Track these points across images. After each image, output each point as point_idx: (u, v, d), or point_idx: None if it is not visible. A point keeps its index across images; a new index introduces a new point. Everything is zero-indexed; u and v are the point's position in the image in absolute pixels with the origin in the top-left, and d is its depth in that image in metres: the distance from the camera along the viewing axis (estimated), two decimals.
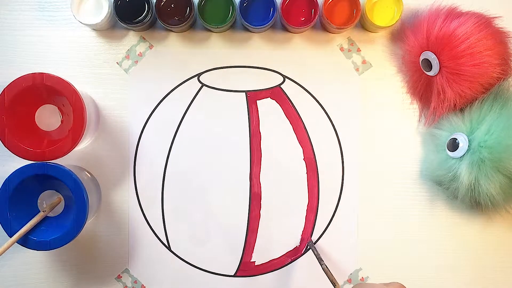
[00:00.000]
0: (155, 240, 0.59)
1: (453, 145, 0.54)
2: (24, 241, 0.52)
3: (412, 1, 0.58)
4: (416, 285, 0.59)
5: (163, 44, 0.59)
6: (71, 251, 0.58)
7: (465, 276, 0.59)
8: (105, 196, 0.58)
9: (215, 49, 0.59)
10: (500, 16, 0.55)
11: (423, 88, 0.57)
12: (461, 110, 0.56)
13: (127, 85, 0.58)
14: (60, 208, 0.55)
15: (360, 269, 0.59)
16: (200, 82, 0.59)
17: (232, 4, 0.55)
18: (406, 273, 0.59)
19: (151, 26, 0.58)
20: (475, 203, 0.55)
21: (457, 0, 0.56)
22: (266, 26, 0.55)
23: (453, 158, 0.55)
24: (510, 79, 0.55)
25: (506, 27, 0.55)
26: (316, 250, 0.55)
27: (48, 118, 0.55)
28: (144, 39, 0.59)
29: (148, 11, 0.55)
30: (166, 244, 0.59)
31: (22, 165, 0.51)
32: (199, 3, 0.54)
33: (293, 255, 0.59)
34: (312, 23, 0.55)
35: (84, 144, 0.57)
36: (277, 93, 0.59)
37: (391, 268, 0.59)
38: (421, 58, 0.55)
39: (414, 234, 0.59)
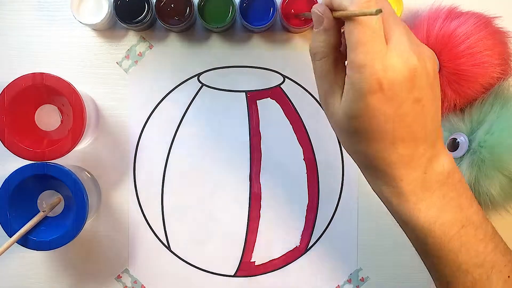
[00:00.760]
0: (155, 240, 0.59)
1: (453, 145, 0.54)
2: (24, 241, 0.52)
3: (412, 1, 0.58)
4: (416, 285, 0.59)
5: (163, 44, 0.59)
6: (71, 251, 0.58)
7: None
8: (105, 196, 0.58)
9: (215, 49, 0.59)
10: (500, 16, 0.55)
11: None
12: (461, 110, 0.56)
13: (127, 85, 0.58)
14: (60, 208, 0.55)
15: (360, 269, 0.59)
16: (200, 82, 0.59)
17: (232, 4, 0.55)
18: (406, 273, 0.59)
19: (151, 26, 0.58)
20: None
21: (457, 0, 0.56)
22: (266, 26, 0.55)
23: (453, 158, 0.55)
24: (510, 79, 0.55)
25: (506, 27, 0.55)
26: (305, 13, 0.52)
27: (48, 118, 0.55)
28: (144, 39, 0.59)
29: (148, 11, 0.55)
30: (166, 244, 0.59)
31: (22, 165, 0.51)
32: (199, 3, 0.54)
33: (293, 255, 0.59)
34: (312, 23, 0.55)
35: (84, 144, 0.57)
36: (277, 93, 0.59)
37: (391, 268, 0.59)
38: None
39: None
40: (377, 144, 0.38)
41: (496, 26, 0.54)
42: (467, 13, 0.55)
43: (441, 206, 0.39)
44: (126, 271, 0.59)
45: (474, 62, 0.52)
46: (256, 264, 0.59)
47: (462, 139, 0.54)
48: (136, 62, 0.59)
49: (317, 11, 0.40)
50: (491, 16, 0.54)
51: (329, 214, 0.59)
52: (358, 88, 0.36)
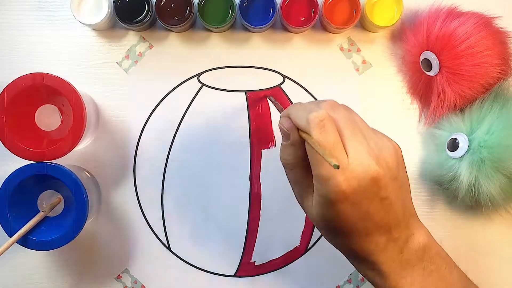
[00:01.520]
0: (155, 240, 0.59)
1: (453, 145, 0.54)
2: (24, 241, 0.52)
3: (412, 1, 0.58)
4: None
5: (163, 44, 0.59)
6: (71, 251, 0.58)
7: None
8: (105, 196, 0.58)
9: (215, 49, 0.59)
10: (500, 16, 0.55)
11: (423, 88, 0.57)
12: (461, 110, 0.56)
13: (127, 85, 0.58)
14: (60, 208, 0.55)
15: None
16: (200, 82, 0.59)
17: (232, 4, 0.55)
18: None
19: (151, 26, 0.58)
20: (475, 203, 0.55)
21: (457, 0, 0.56)
22: (266, 26, 0.55)
23: (453, 158, 0.55)
24: (510, 79, 0.55)
25: (506, 27, 0.55)
26: (276, 102, 0.55)
27: (48, 118, 0.55)
28: (144, 39, 0.59)
29: (148, 11, 0.55)
30: (166, 244, 0.59)
31: (22, 165, 0.51)
32: (199, 3, 0.55)
33: (293, 255, 0.59)
34: (312, 23, 0.55)
35: (84, 144, 0.57)
36: (277, 93, 0.59)
37: None
38: (421, 58, 0.55)
39: None
40: (352, 239, 0.41)
41: (496, 26, 0.54)
42: (467, 13, 0.55)
43: (422, 280, 0.42)
44: (126, 271, 0.59)
45: (474, 62, 0.52)
46: (256, 264, 0.59)
47: (462, 139, 0.54)
48: (136, 62, 0.59)
49: (283, 128, 0.42)
50: (491, 16, 0.54)
51: None
52: (325, 198, 0.39)
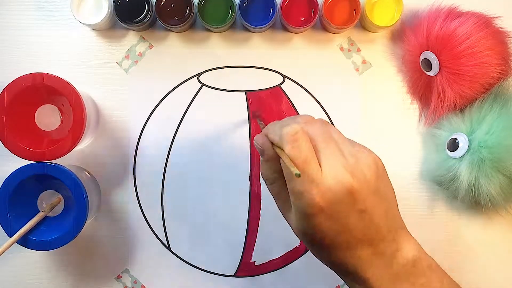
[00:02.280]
0: (155, 240, 0.59)
1: (453, 145, 0.54)
2: (24, 241, 0.52)
3: (412, 1, 0.58)
4: None
5: (163, 44, 0.59)
6: (71, 251, 0.58)
7: (465, 276, 0.59)
8: (105, 196, 0.58)
9: (215, 49, 0.59)
10: (500, 16, 0.55)
11: (423, 88, 0.57)
12: (461, 110, 0.56)
13: (127, 85, 0.58)
14: (60, 208, 0.55)
15: None
16: (200, 82, 0.59)
17: (232, 4, 0.55)
18: None
19: (151, 26, 0.58)
20: (475, 203, 0.55)
21: (457, 0, 0.56)
22: (266, 26, 0.55)
23: (453, 158, 0.55)
24: (510, 79, 0.55)
25: (506, 27, 0.55)
26: (262, 123, 0.55)
27: (48, 118, 0.55)
28: (144, 39, 0.59)
29: (148, 11, 0.55)
30: (166, 244, 0.59)
31: (22, 165, 0.51)
32: (199, 3, 0.55)
33: (293, 255, 0.59)
34: (312, 23, 0.55)
35: (84, 144, 0.57)
36: (277, 93, 0.59)
37: None
38: (421, 58, 0.55)
39: (414, 234, 0.58)
40: (334, 252, 0.40)
41: (496, 26, 0.54)
42: (467, 13, 0.55)
43: None
44: (126, 271, 0.59)
45: (474, 62, 0.52)
46: (256, 264, 0.59)
47: (462, 139, 0.54)
48: (136, 62, 0.59)
49: (257, 144, 0.43)
50: (491, 16, 0.54)
51: None
52: (301, 211, 0.39)
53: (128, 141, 0.59)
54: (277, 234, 0.59)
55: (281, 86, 0.59)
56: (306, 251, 0.59)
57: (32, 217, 0.52)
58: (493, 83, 0.54)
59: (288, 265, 0.59)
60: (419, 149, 0.59)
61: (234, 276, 0.59)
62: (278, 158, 0.41)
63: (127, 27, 0.56)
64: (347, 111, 0.59)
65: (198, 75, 0.59)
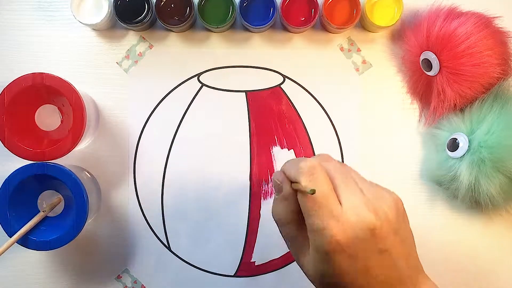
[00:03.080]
0: (155, 240, 0.59)
1: (453, 145, 0.54)
2: (24, 241, 0.52)
3: (412, 1, 0.58)
4: None
5: (163, 44, 0.59)
6: (71, 251, 0.58)
7: (465, 276, 0.59)
8: (105, 196, 0.58)
9: (215, 49, 0.59)
10: (500, 16, 0.55)
11: (423, 88, 0.57)
12: (461, 110, 0.56)
13: (127, 85, 0.58)
14: (60, 208, 0.55)
15: None
16: (200, 82, 0.59)
17: (232, 4, 0.55)
18: None
19: (151, 26, 0.58)
20: (475, 203, 0.55)
21: (457, 0, 0.56)
22: (266, 26, 0.55)
23: (453, 158, 0.55)
24: (510, 79, 0.55)
25: (506, 27, 0.55)
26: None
27: (48, 118, 0.55)
28: (144, 39, 0.59)
29: (148, 11, 0.55)
30: (166, 244, 0.59)
31: (22, 165, 0.51)
32: (199, 3, 0.55)
33: None
34: (312, 23, 0.55)
35: (84, 144, 0.57)
36: (277, 93, 0.59)
37: None
38: (421, 58, 0.55)
39: (414, 234, 0.59)
40: None
41: (496, 26, 0.54)
42: (467, 13, 0.55)
43: None
44: (126, 271, 0.59)
45: (474, 62, 0.52)
46: (256, 264, 0.59)
47: (462, 139, 0.54)
48: (136, 62, 0.59)
49: (276, 180, 0.41)
50: (491, 16, 0.54)
51: None
52: (321, 250, 0.37)
53: (128, 141, 0.59)
54: (277, 234, 0.59)
55: (281, 86, 0.59)
56: None
57: (32, 217, 0.52)
58: (493, 83, 0.54)
59: (288, 265, 0.59)
60: (419, 149, 0.59)
61: (234, 276, 0.59)
62: (295, 197, 0.40)
63: (127, 27, 0.56)
64: (347, 111, 0.59)
65: (198, 75, 0.59)
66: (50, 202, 0.55)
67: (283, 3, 0.55)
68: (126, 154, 0.59)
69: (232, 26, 0.58)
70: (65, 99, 0.51)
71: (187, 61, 0.59)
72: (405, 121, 0.59)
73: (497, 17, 0.55)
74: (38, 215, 0.53)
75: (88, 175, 0.58)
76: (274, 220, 0.42)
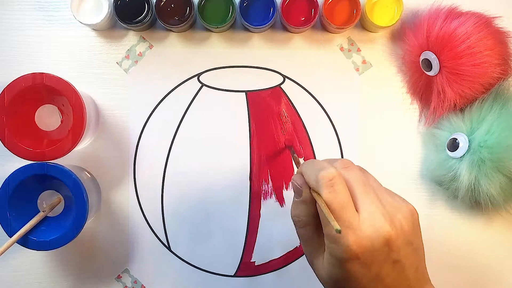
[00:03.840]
0: (155, 240, 0.59)
1: (453, 145, 0.54)
2: (24, 241, 0.52)
3: (412, 1, 0.58)
4: None
5: (163, 44, 0.59)
6: (71, 251, 0.58)
7: (465, 276, 0.59)
8: (105, 196, 0.58)
9: (215, 49, 0.59)
10: (500, 16, 0.55)
11: (423, 88, 0.57)
12: (461, 110, 0.56)
13: (127, 85, 0.58)
14: (60, 208, 0.55)
15: None
16: (200, 82, 0.59)
17: (232, 4, 0.55)
18: None
19: (151, 26, 0.58)
20: (475, 203, 0.55)
21: (457, 0, 0.56)
22: (266, 26, 0.55)
23: (453, 158, 0.55)
24: (510, 79, 0.55)
25: (506, 27, 0.55)
26: (294, 154, 0.55)
27: (48, 118, 0.55)
28: (144, 39, 0.59)
29: (148, 11, 0.55)
30: (166, 244, 0.59)
31: (22, 165, 0.51)
32: (199, 3, 0.55)
33: (293, 255, 0.59)
34: (312, 23, 0.55)
35: (84, 144, 0.57)
36: (277, 93, 0.59)
37: None
38: (421, 58, 0.55)
39: None
40: None
41: (496, 26, 0.54)
42: (467, 13, 0.55)
43: None
44: (126, 271, 0.59)
45: (474, 62, 0.52)
46: (256, 264, 0.59)
47: (462, 139, 0.54)
48: (136, 62, 0.59)
49: (296, 184, 0.42)
50: (491, 16, 0.54)
51: None
52: (335, 257, 0.38)
53: (128, 141, 0.59)
54: (277, 234, 0.59)
55: (281, 86, 0.59)
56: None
57: (32, 217, 0.52)
58: (493, 83, 0.54)
59: (288, 265, 0.59)
60: (419, 149, 0.59)
61: (234, 276, 0.59)
62: (314, 201, 0.41)
63: (127, 27, 0.56)
64: (347, 111, 0.59)
65: (198, 75, 0.59)
66: (50, 202, 0.55)
67: (283, 3, 0.55)
68: (126, 154, 0.59)
69: (232, 26, 0.58)
70: (65, 99, 0.51)
71: (187, 61, 0.59)
72: (405, 121, 0.59)
73: (497, 17, 0.55)
74: (38, 215, 0.53)
75: (88, 175, 0.58)
76: (292, 220, 0.43)
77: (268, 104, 0.59)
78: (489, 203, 0.53)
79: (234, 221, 0.59)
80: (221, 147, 0.58)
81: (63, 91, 0.51)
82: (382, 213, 0.38)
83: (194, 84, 0.59)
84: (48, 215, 0.54)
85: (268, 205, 0.59)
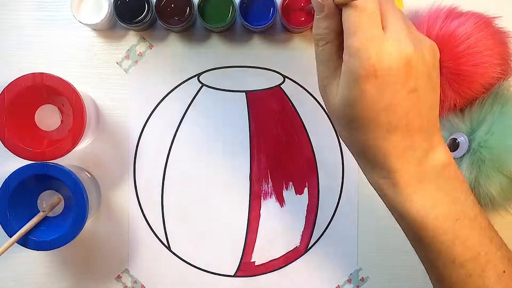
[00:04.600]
0: (155, 240, 0.59)
1: (453, 145, 0.54)
2: (24, 241, 0.52)
3: (412, 1, 0.58)
4: (416, 285, 0.59)
5: (163, 44, 0.59)
6: (71, 251, 0.58)
7: None
8: (105, 196, 0.58)
9: (215, 49, 0.59)
10: (500, 16, 0.55)
11: None
12: (461, 110, 0.56)
13: (127, 85, 0.58)
14: (60, 208, 0.55)
15: (360, 269, 0.59)
16: (200, 82, 0.59)
17: (232, 4, 0.55)
18: (406, 273, 0.59)
19: (151, 26, 0.58)
20: None
21: (457, 0, 0.56)
22: (266, 26, 0.55)
23: (453, 158, 0.55)
24: (510, 79, 0.55)
25: (506, 27, 0.55)
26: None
27: (48, 118, 0.55)
28: (144, 39, 0.59)
29: (148, 11, 0.55)
30: (166, 244, 0.59)
31: (22, 165, 0.51)
32: (199, 3, 0.54)
33: (293, 255, 0.59)
34: (312, 23, 0.55)
35: (84, 144, 0.57)
36: (277, 93, 0.59)
37: (391, 268, 0.59)
38: None
39: None
40: (372, 133, 0.38)
41: (496, 26, 0.54)
42: (467, 13, 0.55)
43: (435, 199, 0.39)
44: (126, 271, 0.59)
45: (474, 62, 0.52)
46: (256, 264, 0.59)
47: (462, 139, 0.54)
48: (136, 62, 0.59)
49: None
50: (491, 16, 0.54)
51: (329, 214, 0.59)
52: (353, 73, 0.36)
53: (128, 141, 0.59)
54: (277, 234, 0.59)
55: (281, 86, 0.59)
56: (306, 251, 0.59)
57: (32, 217, 0.52)
58: (493, 83, 0.54)
59: (288, 265, 0.59)
60: None
61: (234, 276, 0.59)
62: (338, 16, 0.38)
63: (127, 27, 0.56)
64: None
65: (198, 75, 0.59)
66: (50, 202, 0.55)
67: (283, 3, 0.55)
68: (126, 154, 0.59)
69: (232, 26, 0.58)
70: (65, 99, 0.51)
71: (187, 61, 0.59)
72: None
73: (497, 17, 0.55)
74: (38, 215, 0.53)
75: (88, 175, 0.58)
76: (313, 40, 0.41)
77: (268, 104, 0.59)
78: (489, 203, 0.53)
79: (234, 221, 0.59)
80: (221, 147, 0.58)
81: (63, 91, 0.51)
82: (408, 35, 0.37)
83: (194, 84, 0.59)
84: (48, 215, 0.54)
85: (268, 205, 0.59)
